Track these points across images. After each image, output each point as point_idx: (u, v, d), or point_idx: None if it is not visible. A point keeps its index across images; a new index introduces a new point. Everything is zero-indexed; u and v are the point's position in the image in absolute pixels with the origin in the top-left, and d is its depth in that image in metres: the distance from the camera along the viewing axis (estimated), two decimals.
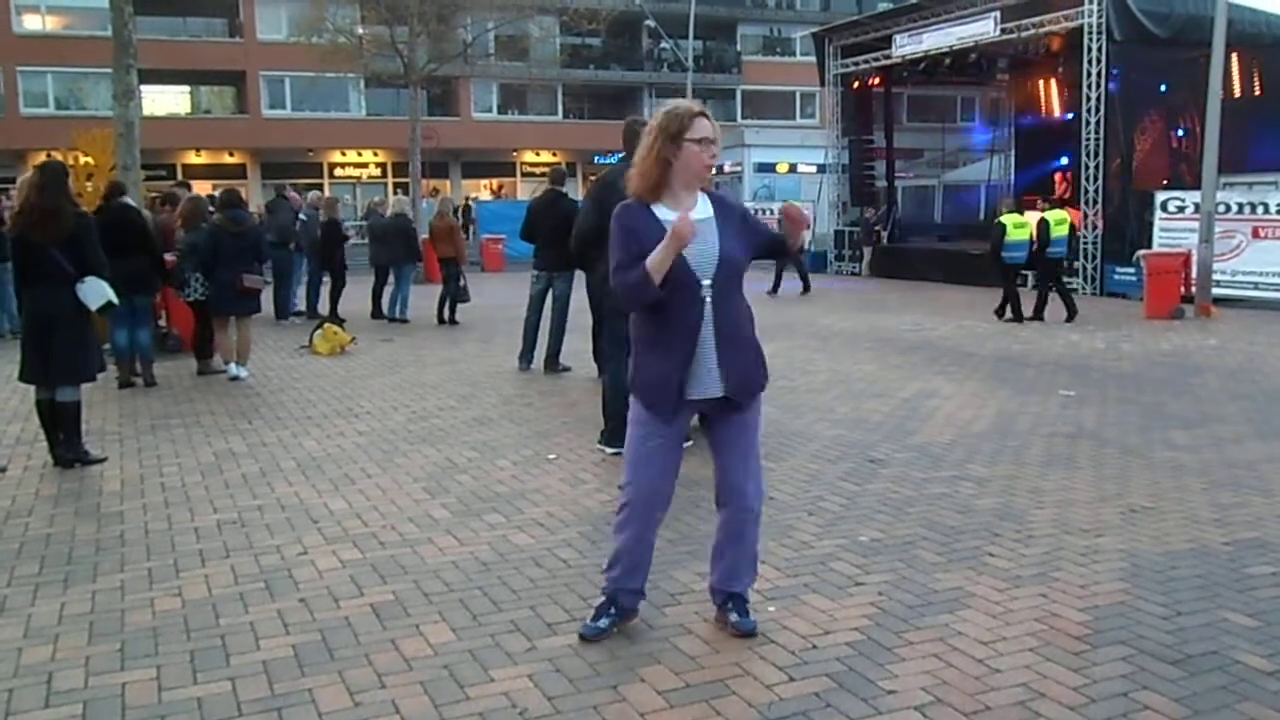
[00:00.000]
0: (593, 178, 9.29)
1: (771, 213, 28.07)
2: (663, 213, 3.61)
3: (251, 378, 9.92)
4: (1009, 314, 14.44)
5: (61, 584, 4.48)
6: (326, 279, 14.97)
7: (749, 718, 3.23)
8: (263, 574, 4.56)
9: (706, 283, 3.57)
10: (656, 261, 3.48)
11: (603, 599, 3.89)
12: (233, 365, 9.90)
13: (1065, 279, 15.52)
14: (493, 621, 3.99)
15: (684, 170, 3.60)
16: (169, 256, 10.25)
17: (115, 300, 6.70)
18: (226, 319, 10.03)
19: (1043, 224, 14.46)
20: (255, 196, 33.15)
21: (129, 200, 9.98)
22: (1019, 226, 14.51)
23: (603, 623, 3.84)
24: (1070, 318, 14.32)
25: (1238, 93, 18.80)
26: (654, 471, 3.72)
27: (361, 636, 3.86)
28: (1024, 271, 15.24)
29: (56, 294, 6.40)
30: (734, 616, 3.84)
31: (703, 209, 3.66)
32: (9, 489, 6.08)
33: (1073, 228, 15.74)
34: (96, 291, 6.49)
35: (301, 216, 15.35)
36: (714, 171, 3.66)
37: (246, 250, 9.93)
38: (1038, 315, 14.47)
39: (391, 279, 15.07)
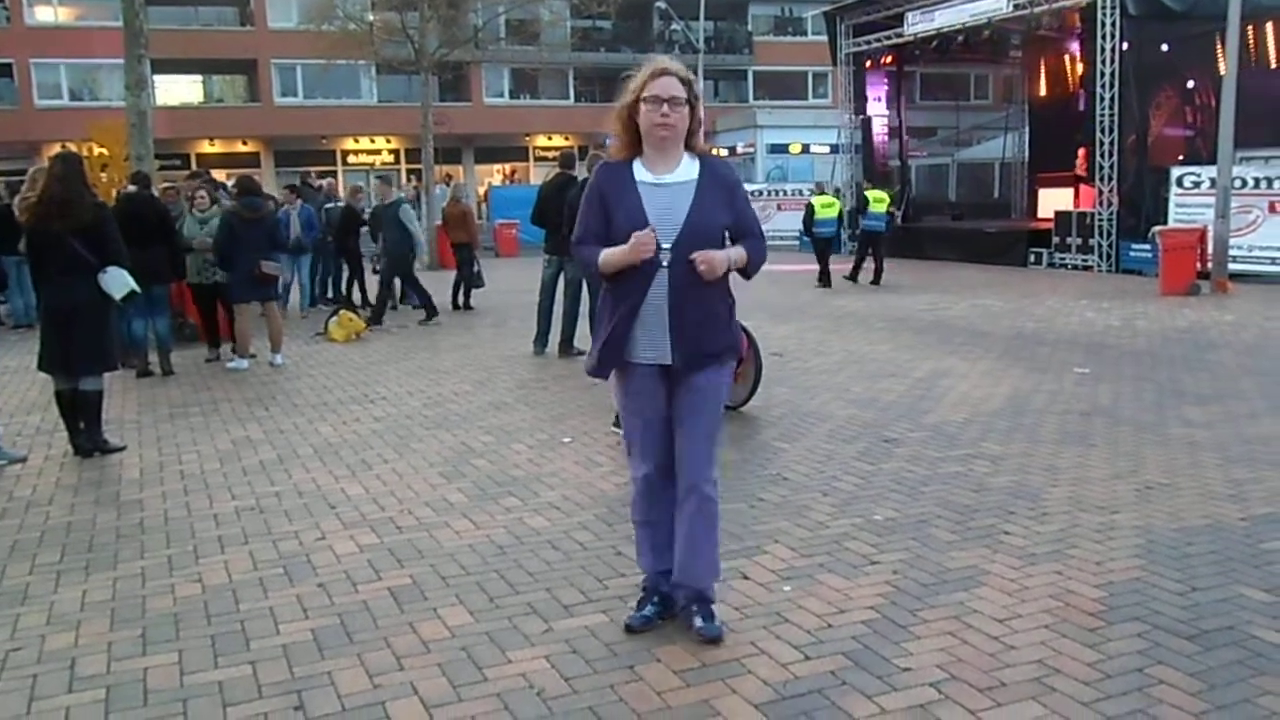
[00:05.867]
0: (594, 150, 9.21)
1: (785, 193, 28.08)
2: (640, 172, 3.56)
3: (288, 362, 10.04)
4: (821, 281, 16.71)
5: (83, 571, 4.54)
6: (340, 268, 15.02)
7: (765, 696, 3.25)
8: (281, 559, 4.60)
9: (665, 246, 3.46)
10: (610, 261, 3.49)
11: (645, 588, 3.84)
12: (239, 361, 9.90)
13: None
14: (509, 604, 4.02)
15: (645, 130, 3.53)
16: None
17: (138, 289, 6.77)
18: (245, 307, 10.05)
19: (861, 199, 17.37)
20: (269, 185, 33.18)
21: (154, 191, 10.06)
22: (827, 206, 16.98)
23: (648, 610, 3.75)
24: (877, 280, 16.77)
25: (1253, 66, 18.62)
26: (642, 447, 3.66)
27: (380, 620, 3.90)
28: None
29: (78, 284, 6.45)
30: (697, 621, 3.65)
31: (685, 172, 3.55)
32: (30, 478, 6.15)
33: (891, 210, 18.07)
34: (119, 281, 6.56)
35: (326, 206, 15.41)
36: (667, 130, 3.47)
37: (263, 237, 9.94)
38: (853, 277, 17.00)
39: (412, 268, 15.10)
